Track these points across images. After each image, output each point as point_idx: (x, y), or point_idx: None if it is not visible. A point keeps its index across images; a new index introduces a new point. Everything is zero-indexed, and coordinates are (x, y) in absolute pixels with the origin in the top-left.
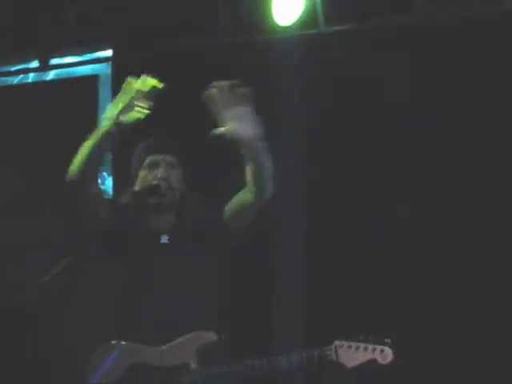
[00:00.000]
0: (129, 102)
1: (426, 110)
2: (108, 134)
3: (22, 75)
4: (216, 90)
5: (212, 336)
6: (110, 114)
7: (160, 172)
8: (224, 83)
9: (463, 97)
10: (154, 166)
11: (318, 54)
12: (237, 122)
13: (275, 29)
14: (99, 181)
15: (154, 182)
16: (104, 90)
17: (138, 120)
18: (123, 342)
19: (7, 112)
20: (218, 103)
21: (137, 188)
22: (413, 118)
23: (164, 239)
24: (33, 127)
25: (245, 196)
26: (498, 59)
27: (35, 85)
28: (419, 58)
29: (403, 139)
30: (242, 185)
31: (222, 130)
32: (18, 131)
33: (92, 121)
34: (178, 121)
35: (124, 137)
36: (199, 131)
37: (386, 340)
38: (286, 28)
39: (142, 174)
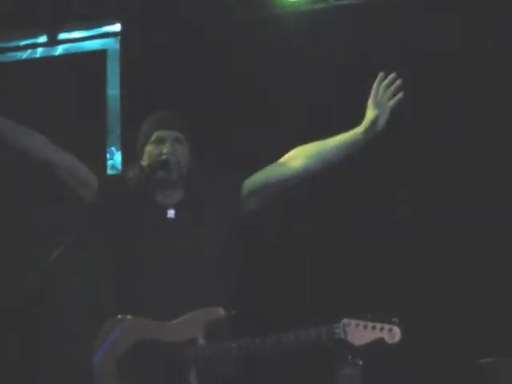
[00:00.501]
0: None
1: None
2: None
3: (30, 50)
4: (381, 78)
5: (220, 312)
6: None
7: (166, 147)
8: (387, 77)
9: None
10: (160, 141)
11: (328, 29)
12: (381, 111)
13: (284, 3)
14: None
15: (163, 157)
16: (112, 64)
17: None
18: (129, 317)
19: (16, 87)
20: (376, 89)
21: (144, 163)
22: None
23: (171, 214)
24: (41, 102)
25: (280, 170)
26: None
27: (43, 60)
28: (428, 33)
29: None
30: (251, 161)
31: (373, 113)
32: (26, 106)
33: (100, 96)
34: (185, 97)
35: None
36: (207, 107)
37: (394, 319)
38: (294, 2)
39: (148, 149)
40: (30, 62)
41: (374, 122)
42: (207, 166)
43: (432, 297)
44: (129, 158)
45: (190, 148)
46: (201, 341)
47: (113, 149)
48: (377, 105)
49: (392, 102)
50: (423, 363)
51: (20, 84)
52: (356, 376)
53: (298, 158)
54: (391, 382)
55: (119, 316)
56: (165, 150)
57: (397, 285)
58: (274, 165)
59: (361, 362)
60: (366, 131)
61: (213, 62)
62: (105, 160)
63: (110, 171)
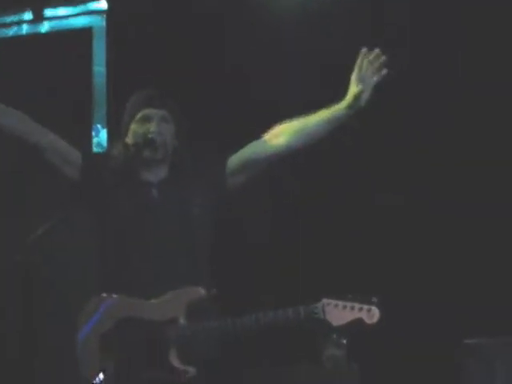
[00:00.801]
0: None
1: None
2: None
3: (16, 27)
4: (365, 53)
5: (201, 291)
6: None
7: (152, 126)
8: (372, 51)
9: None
10: (146, 119)
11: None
12: (364, 86)
13: None
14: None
15: (149, 136)
16: (98, 42)
17: None
18: (114, 295)
19: (2, 64)
20: (360, 65)
21: (129, 141)
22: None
23: (155, 193)
24: (27, 79)
25: (263, 147)
26: None
27: (30, 37)
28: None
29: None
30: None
31: (357, 88)
32: (12, 83)
33: (85, 73)
34: (172, 74)
35: None
36: (194, 85)
37: (373, 299)
38: None
39: (133, 127)
40: (17, 39)
41: (357, 98)
42: (193, 143)
43: (417, 278)
44: (114, 136)
45: (177, 126)
46: (182, 320)
47: (98, 126)
48: (360, 80)
49: (376, 78)
50: (408, 343)
51: (6, 61)
52: (340, 355)
53: (281, 134)
54: (376, 363)
55: (104, 294)
56: (151, 129)
57: (381, 266)
58: (257, 141)
59: (345, 341)
60: (349, 106)
61: (201, 40)
62: (90, 137)
63: (95, 149)
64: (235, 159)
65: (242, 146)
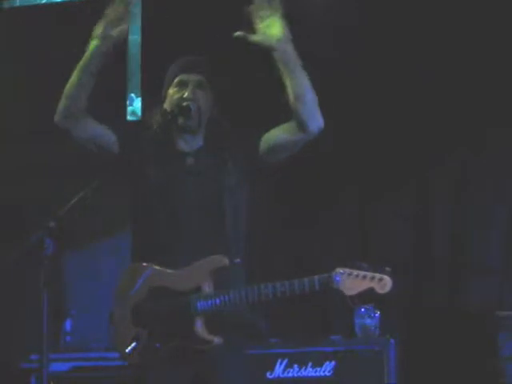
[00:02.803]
0: (119, 15)
1: None
2: (97, 52)
3: None
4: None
5: (224, 260)
6: (98, 30)
7: (187, 92)
8: None
9: None
10: (182, 85)
11: None
12: (267, 30)
13: None
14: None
15: (184, 103)
16: (134, 10)
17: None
18: (144, 264)
19: (36, 31)
20: (255, 14)
21: (166, 107)
22: None
23: (190, 161)
24: (61, 47)
25: (286, 134)
26: None
27: (63, 4)
28: None
29: None
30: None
31: (253, 37)
32: (46, 51)
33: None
34: (208, 43)
35: (111, 54)
36: (231, 54)
37: (386, 268)
38: None
39: (170, 92)
40: (50, 6)
41: (265, 40)
42: (230, 112)
43: (450, 248)
44: (149, 104)
45: (213, 93)
46: (206, 289)
47: (132, 95)
48: (264, 26)
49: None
50: (441, 316)
51: (40, 28)
52: (373, 325)
53: None
54: (409, 337)
55: (136, 263)
56: (185, 95)
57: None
58: (288, 124)
59: (378, 313)
60: None
61: (238, 8)
62: (125, 106)
63: (129, 117)
64: (266, 141)
65: (277, 117)
